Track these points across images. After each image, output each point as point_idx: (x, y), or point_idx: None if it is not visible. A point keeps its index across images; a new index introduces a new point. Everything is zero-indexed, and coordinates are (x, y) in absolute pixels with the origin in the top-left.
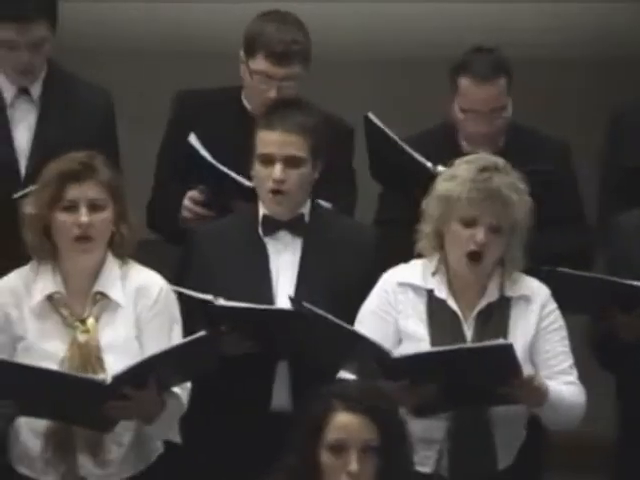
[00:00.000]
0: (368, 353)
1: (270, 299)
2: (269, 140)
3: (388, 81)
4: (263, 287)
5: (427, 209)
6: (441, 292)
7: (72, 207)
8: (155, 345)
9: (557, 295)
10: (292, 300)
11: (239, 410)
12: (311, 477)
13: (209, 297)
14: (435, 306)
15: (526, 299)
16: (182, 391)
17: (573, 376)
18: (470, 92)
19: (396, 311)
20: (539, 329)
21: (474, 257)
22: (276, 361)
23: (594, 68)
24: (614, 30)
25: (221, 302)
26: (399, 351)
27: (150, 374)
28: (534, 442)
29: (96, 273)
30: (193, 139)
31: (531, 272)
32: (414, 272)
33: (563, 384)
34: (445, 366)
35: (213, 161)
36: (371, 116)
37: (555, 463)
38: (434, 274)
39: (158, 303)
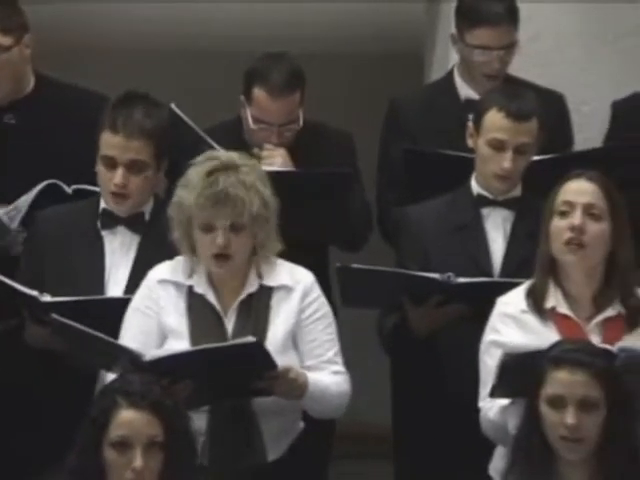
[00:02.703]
0: (123, 358)
1: (100, 294)
2: (111, 143)
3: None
4: (94, 282)
5: (171, 215)
6: (200, 287)
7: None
8: None
9: (350, 290)
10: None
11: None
12: (95, 476)
13: (34, 293)
14: (195, 301)
15: (287, 288)
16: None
17: (339, 365)
18: (264, 105)
19: (158, 307)
20: (301, 318)
21: (220, 259)
22: None
23: (372, 63)
24: (391, 27)
25: (47, 298)
26: (165, 347)
27: None
28: (318, 432)
29: None
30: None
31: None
32: (175, 269)
33: (331, 374)
34: (199, 363)
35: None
36: (173, 107)
37: (340, 452)
38: (193, 270)
39: None
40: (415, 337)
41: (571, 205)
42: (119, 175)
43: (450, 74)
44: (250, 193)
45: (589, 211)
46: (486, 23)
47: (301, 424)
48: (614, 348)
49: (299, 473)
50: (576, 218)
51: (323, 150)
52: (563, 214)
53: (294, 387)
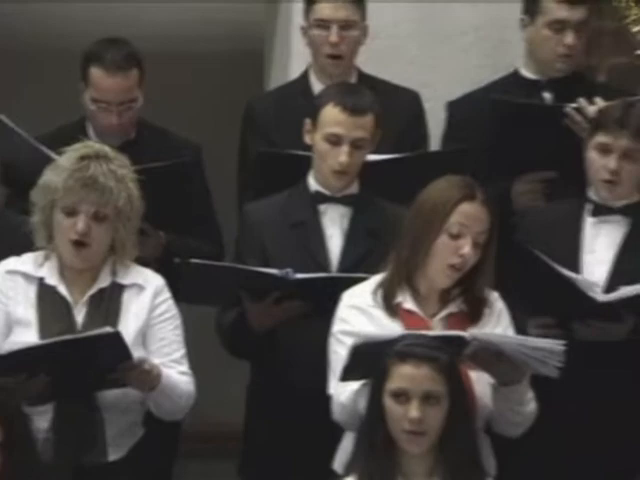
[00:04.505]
0: None
1: None
2: None
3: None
4: None
5: (34, 200)
6: (51, 279)
7: None
8: None
9: (191, 286)
10: None
11: None
12: None
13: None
14: (45, 293)
15: (139, 287)
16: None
17: (185, 366)
18: (101, 83)
19: (6, 298)
20: (152, 317)
21: (78, 245)
22: None
23: (215, 62)
24: (245, 26)
25: None
26: (11, 339)
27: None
28: (162, 430)
29: None
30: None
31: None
32: (26, 260)
33: (177, 374)
34: (54, 356)
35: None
36: (3, 119)
37: (188, 451)
38: (45, 262)
39: None
40: (254, 333)
41: (466, 229)
42: None
43: (305, 74)
44: (119, 185)
45: (478, 240)
46: None
47: (142, 429)
48: (466, 334)
49: (142, 473)
50: (467, 249)
51: (166, 158)
52: (454, 237)
53: (148, 378)
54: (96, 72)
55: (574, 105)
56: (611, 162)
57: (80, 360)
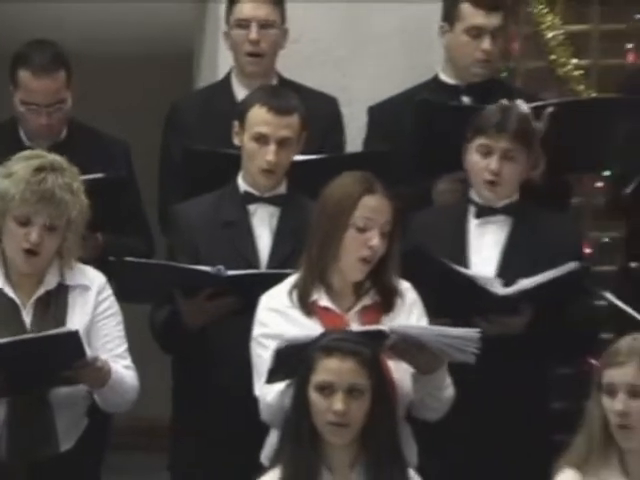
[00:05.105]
0: None
1: None
2: None
3: None
4: None
5: None
6: None
7: None
8: None
9: (126, 284)
10: None
11: None
12: None
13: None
14: None
15: (83, 287)
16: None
17: (128, 360)
18: (30, 85)
19: None
20: (96, 314)
21: (29, 254)
22: None
23: (144, 64)
24: (176, 28)
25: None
26: None
27: None
28: (98, 425)
29: None
30: None
31: None
32: None
33: (122, 368)
34: (13, 355)
35: None
36: None
37: (117, 444)
38: None
39: None
40: (186, 330)
41: (371, 222)
42: None
43: (227, 76)
44: (74, 198)
45: (384, 230)
46: None
47: (86, 420)
48: (386, 328)
49: (76, 465)
50: (375, 240)
51: (97, 158)
52: (361, 230)
53: (100, 375)
54: (24, 74)
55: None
56: (492, 163)
57: (37, 358)
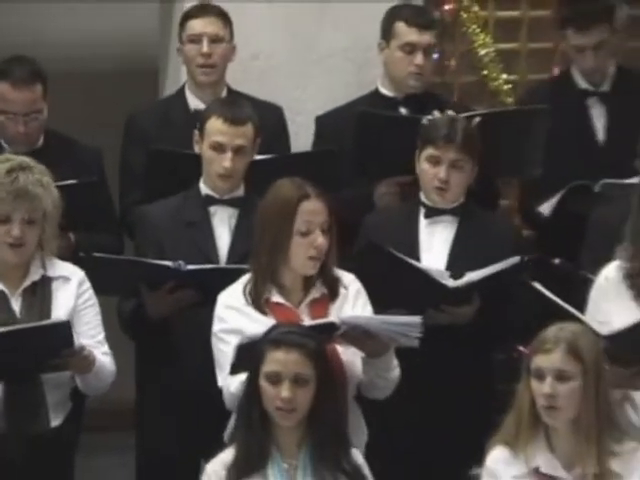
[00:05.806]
0: None
1: None
2: None
3: None
4: None
5: None
6: None
7: None
8: None
9: (97, 277)
10: None
11: None
12: None
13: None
14: None
15: (64, 278)
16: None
17: (106, 346)
18: (9, 95)
19: None
20: (78, 304)
21: (15, 247)
22: None
23: (109, 80)
24: (126, 44)
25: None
26: None
27: None
28: (77, 408)
29: None
30: None
31: None
32: None
33: (102, 355)
34: (3, 343)
35: None
36: None
37: (89, 425)
38: None
39: None
40: (150, 320)
41: (312, 225)
42: None
43: (182, 88)
44: (46, 192)
45: (324, 228)
46: (195, 15)
47: (70, 403)
48: (337, 320)
49: (60, 443)
50: (320, 239)
51: (71, 163)
52: (305, 234)
53: (85, 364)
54: (4, 86)
55: (429, 117)
56: (441, 172)
57: (29, 347)
